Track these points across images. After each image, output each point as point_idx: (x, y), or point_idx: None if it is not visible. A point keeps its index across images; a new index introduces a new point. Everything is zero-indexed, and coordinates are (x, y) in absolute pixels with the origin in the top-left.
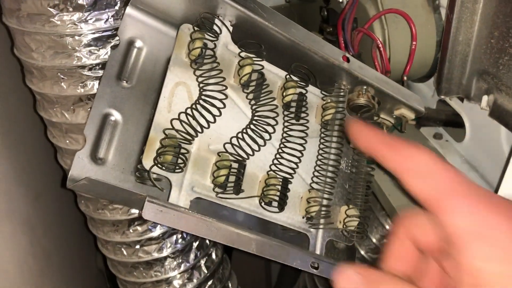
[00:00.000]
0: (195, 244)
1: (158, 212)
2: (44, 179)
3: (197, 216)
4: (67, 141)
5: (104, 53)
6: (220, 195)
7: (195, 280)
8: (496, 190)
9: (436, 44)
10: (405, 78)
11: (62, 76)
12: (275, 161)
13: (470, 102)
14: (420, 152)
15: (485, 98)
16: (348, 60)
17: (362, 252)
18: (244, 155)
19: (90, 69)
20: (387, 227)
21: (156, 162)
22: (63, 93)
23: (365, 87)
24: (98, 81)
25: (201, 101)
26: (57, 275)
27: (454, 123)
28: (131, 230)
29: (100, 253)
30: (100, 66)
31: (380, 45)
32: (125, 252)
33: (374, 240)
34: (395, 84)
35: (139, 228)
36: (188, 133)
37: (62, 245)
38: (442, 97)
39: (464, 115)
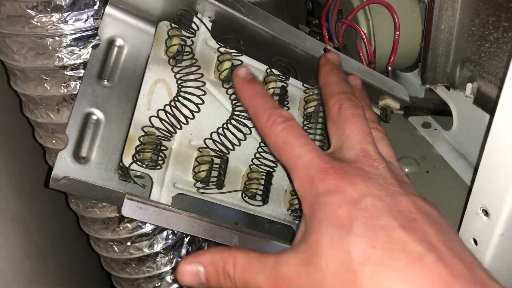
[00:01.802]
0: (186, 239)
1: (138, 209)
2: (38, 179)
3: (177, 211)
4: (54, 141)
5: (85, 53)
6: (201, 190)
7: None
8: (467, 198)
9: (421, 33)
10: (389, 68)
11: (44, 77)
12: (257, 155)
13: (455, 90)
14: None
15: (469, 85)
16: None
17: None
18: (225, 150)
19: (72, 69)
20: None
21: (135, 159)
22: (46, 94)
23: None
24: (80, 81)
25: (179, 98)
26: (54, 275)
27: (442, 111)
28: (121, 227)
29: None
30: (82, 66)
31: (364, 36)
32: (116, 249)
33: None
34: (378, 75)
35: (129, 225)
36: (166, 130)
37: (58, 245)
38: (428, 86)
39: (451, 103)
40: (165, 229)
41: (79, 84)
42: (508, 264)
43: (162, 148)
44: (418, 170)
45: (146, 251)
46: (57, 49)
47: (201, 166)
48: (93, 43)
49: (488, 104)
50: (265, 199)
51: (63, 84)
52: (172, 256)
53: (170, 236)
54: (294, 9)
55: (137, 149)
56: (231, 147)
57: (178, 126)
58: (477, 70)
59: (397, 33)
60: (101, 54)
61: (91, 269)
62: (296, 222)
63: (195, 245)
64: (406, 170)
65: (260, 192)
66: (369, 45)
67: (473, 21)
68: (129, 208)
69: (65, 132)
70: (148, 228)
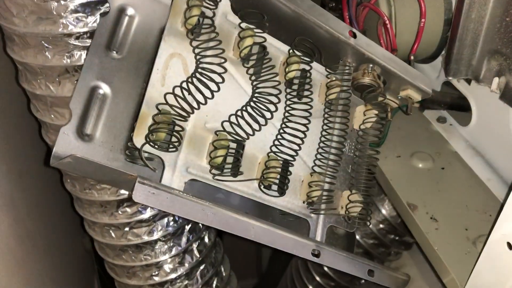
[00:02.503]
0: (187, 227)
1: (150, 194)
2: (28, 156)
3: (192, 199)
4: (52, 116)
5: (92, 20)
6: (217, 177)
7: (186, 265)
8: (505, 199)
9: (443, 23)
10: (411, 57)
11: (46, 45)
12: (276, 142)
13: (480, 84)
14: None
15: (496, 80)
16: (354, 36)
17: (358, 237)
18: (244, 135)
19: (77, 38)
20: (384, 212)
21: (148, 139)
22: (47, 63)
23: (371, 65)
24: (86, 51)
25: (197, 75)
26: (42, 257)
27: (460, 106)
28: (120, 212)
29: (88, 234)
30: (88, 34)
31: (387, 21)
32: (113, 235)
33: (370, 225)
34: (402, 63)
35: (128, 209)
36: (183, 109)
37: (47, 226)
38: (450, 78)
39: (471, 98)
40: (166, 215)
41: (84, 55)
42: None
43: (178, 128)
44: (433, 166)
45: (145, 238)
46: (62, 14)
47: (218, 151)
48: (101, 11)
49: None
50: (282, 190)
51: (67, 54)
52: (171, 244)
53: (171, 223)
54: None
55: (151, 128)
56: (251, 132)
57: (196, 106)
58: (507, 64)
59: (423, 20)
60: (110, 23)
61: (79, 252)
62: (312, 216)
63: (196, 233)
64: (420, 165)
65: (277, 182)
66: (392, 32)
67: (508, 11)
68: (141, 193)
69: (68, 106)
70: (148, 213)
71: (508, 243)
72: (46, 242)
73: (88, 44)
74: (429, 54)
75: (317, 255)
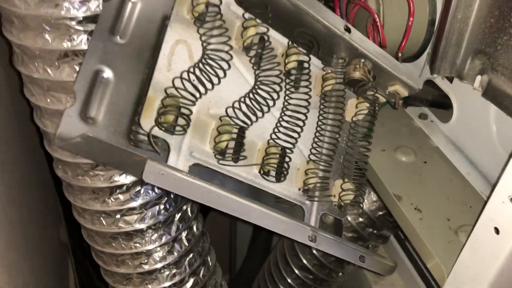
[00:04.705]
0: (177, 216)
1: (159, 175)
2: (9, 145)
3: (198, 182)
4: (48, 100)
5: (95, 5)
6: (221, 161)
7: (175, 253)
8: (495, 185)
9: (427, 23)
10: (400, 54)
11: (47, 28)
12: (276, 130)
13: (463, 82)
14: None
15: (478, 78)
16: (349, 31)
17: None
18: (248, 121)
19: (79, 22)
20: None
21: (157, 122)
22: (47, 47)
23: (362, 60)
24: (86, 36)
25: (207, 60)
26: (21, 247)
27: (441, 104)
28: (112, 199)
29: (64, 225)
30: (89, 19)
31: (377, 19)
32: (104, 222)
33: (349, 219)
34: (392, 59)
35: (121, 196)
36: (191, 93)
37: (26, 216)
38: (435, 75)
39: (453, 95)
40: (157, 203)
41: (84, 39)
42: None
43: (186, 112)
44: (416, 160)
45: (136, 225)
46: None
47: (222, 136)
48: None
49: (498, 97)
50: (282, 176)
51: (67, 38)
52: (162, 233)
53: (162, 212)
54: None
55: (160, 111)
56: (254, 119)
57: (203, 91)
58: (490, 62)
59: (411, 19)
60: (114, 8)
61: (54, 244)
62: (307, 202)
63: (185, 222)
64: (404, 159)
65: (275, 168)
66: (382, 29)
67: (493, 13)
68: (151, 173)
69: (65, 90)
70: (139, 201)
71: (496, 228)
72: (24, 232)
73: (89, 29)
74: (412, 53)
75: (313, 240)
